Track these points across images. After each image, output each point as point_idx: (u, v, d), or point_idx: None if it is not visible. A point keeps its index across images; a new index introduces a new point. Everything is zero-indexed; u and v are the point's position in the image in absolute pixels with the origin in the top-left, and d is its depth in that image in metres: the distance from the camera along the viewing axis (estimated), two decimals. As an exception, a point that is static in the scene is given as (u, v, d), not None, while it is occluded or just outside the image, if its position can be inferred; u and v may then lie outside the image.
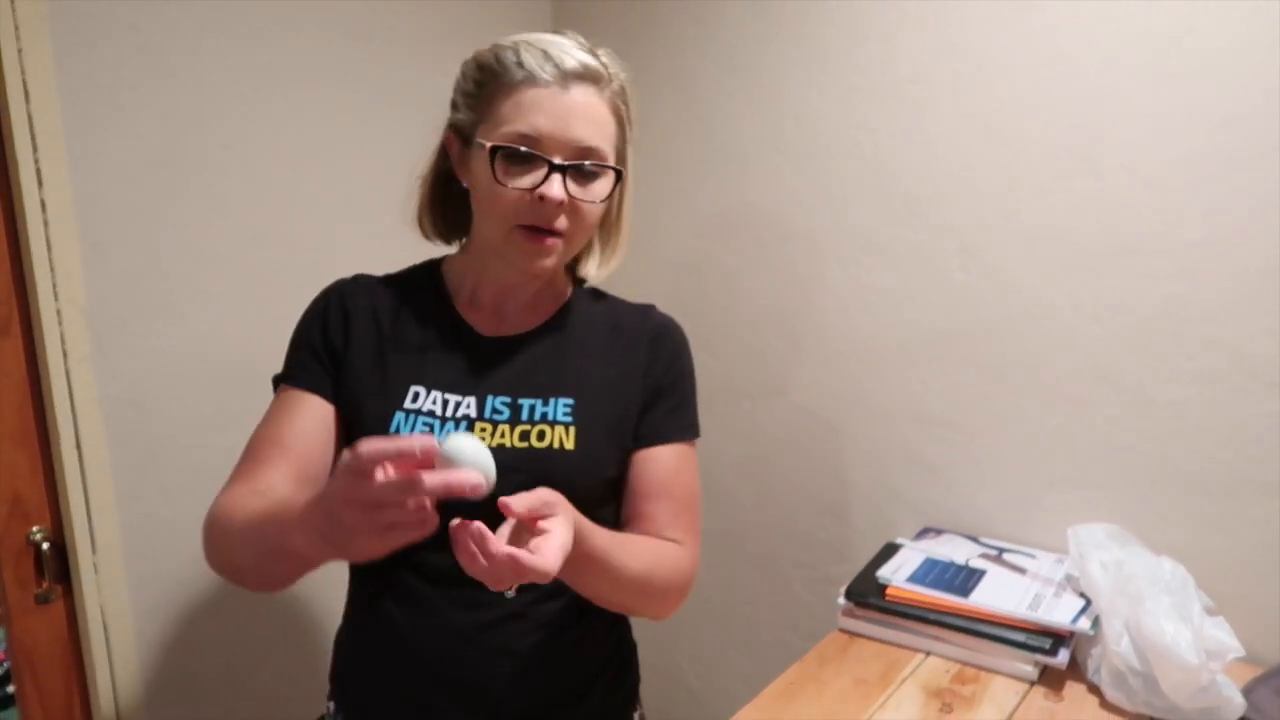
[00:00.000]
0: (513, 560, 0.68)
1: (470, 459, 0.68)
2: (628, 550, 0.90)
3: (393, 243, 1.56)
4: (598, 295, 1.08)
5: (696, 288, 1.77)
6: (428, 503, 0.66)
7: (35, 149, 1.18)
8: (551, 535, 0.73)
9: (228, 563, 0.91)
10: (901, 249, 1.51)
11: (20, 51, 1.16)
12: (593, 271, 1.06)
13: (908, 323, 1.52)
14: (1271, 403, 1.22)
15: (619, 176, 0.96)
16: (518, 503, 0.73)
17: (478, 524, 0.69)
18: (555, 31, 0.94)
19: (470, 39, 1.67)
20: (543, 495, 0.74)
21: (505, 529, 0.74)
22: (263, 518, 0.83)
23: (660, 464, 1.01)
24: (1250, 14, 1.17)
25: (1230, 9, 1.19)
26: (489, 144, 0.90)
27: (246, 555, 0.88)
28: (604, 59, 0.93)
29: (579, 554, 0.80)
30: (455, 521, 0.70)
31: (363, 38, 1.53)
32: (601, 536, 0.85)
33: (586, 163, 0.91)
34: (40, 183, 1.19)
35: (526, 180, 0.89)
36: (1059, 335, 1.38)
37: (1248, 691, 1.12)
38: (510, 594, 0.75)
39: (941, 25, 1.42)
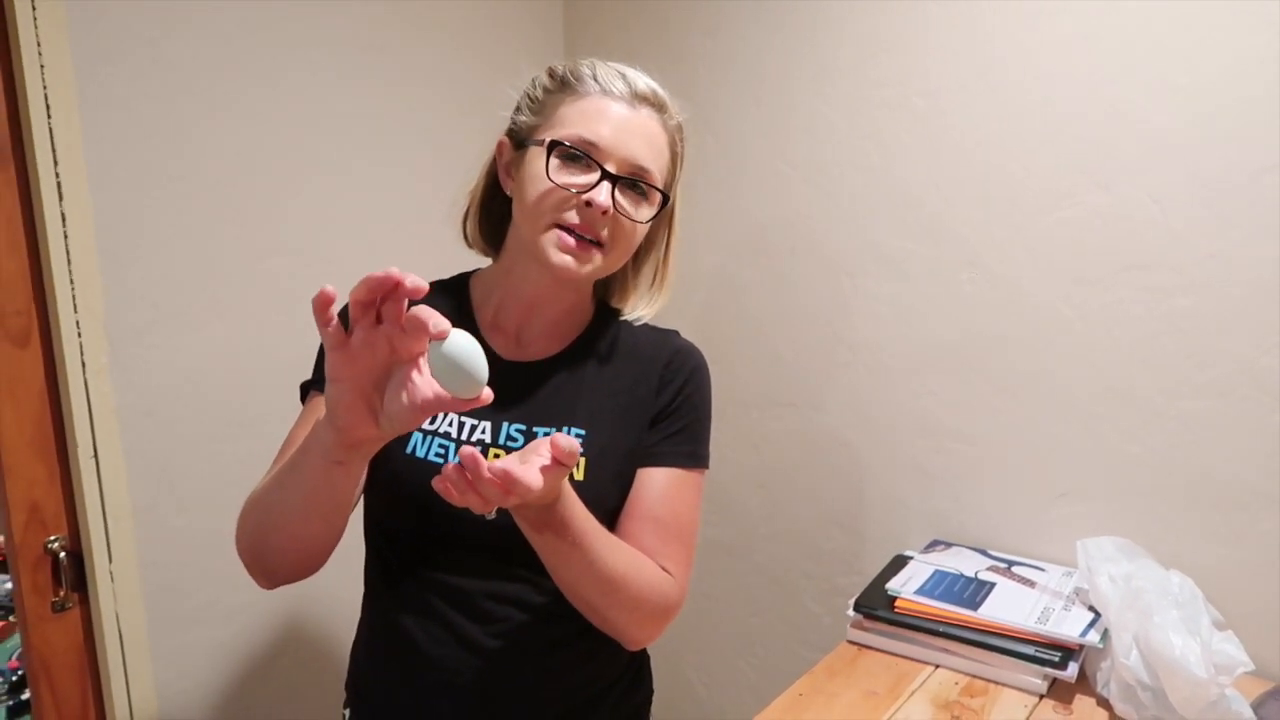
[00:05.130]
0: (505, 475, 0.70)
1: (462, 360, 0.67)
2: (609, 543, 0.88)
3: (408, 253, 1.59)
4: (621, 322, 1.06)
5: (704, 300, 1.78)
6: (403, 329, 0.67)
7: (56, 162, 1.20)
8: (545, 461, 0.74)
9: (253, 531, 0.89)
10: (911, 261, 1.52)
11: (42, 66, 1.17)
12: (640, 310, 1.06)
13: (917, 335, 1.53)
14: (1279, 415, 1.22)
15: (665, 202, 0.97)
16: (565, 439, 0.73)
17: (469, 448, 0.70)
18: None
19: (483, 61, 1.71)
20: (575, 445, 0.73)
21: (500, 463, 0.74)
22: (283, 466, 0.84)
23: (650, 486, 0.98)
24: (1259, 30, 1.18)
25: (1239, 25, 1.20)
26: (548, 139, 0.91)
27: (266, 507, 0.87)
28: (669, 96, 0.98)
29: (560, 517, 0.81)
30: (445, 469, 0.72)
31: (378, 50, 1.55)
32: (588, 517, 0.85)
33: (638, 180, 0.93)
34: (60, 195, 1.21)
35: (577, 182, 0.91)
36: (1068, 348, 1.38)
37: (1258, 706, 1.11)
38: (491, 515, 0.75)
39: (951, 39, 1.43)
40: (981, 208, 1.43)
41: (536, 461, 0.74)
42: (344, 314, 0.69)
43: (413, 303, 0.67)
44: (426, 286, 0.66)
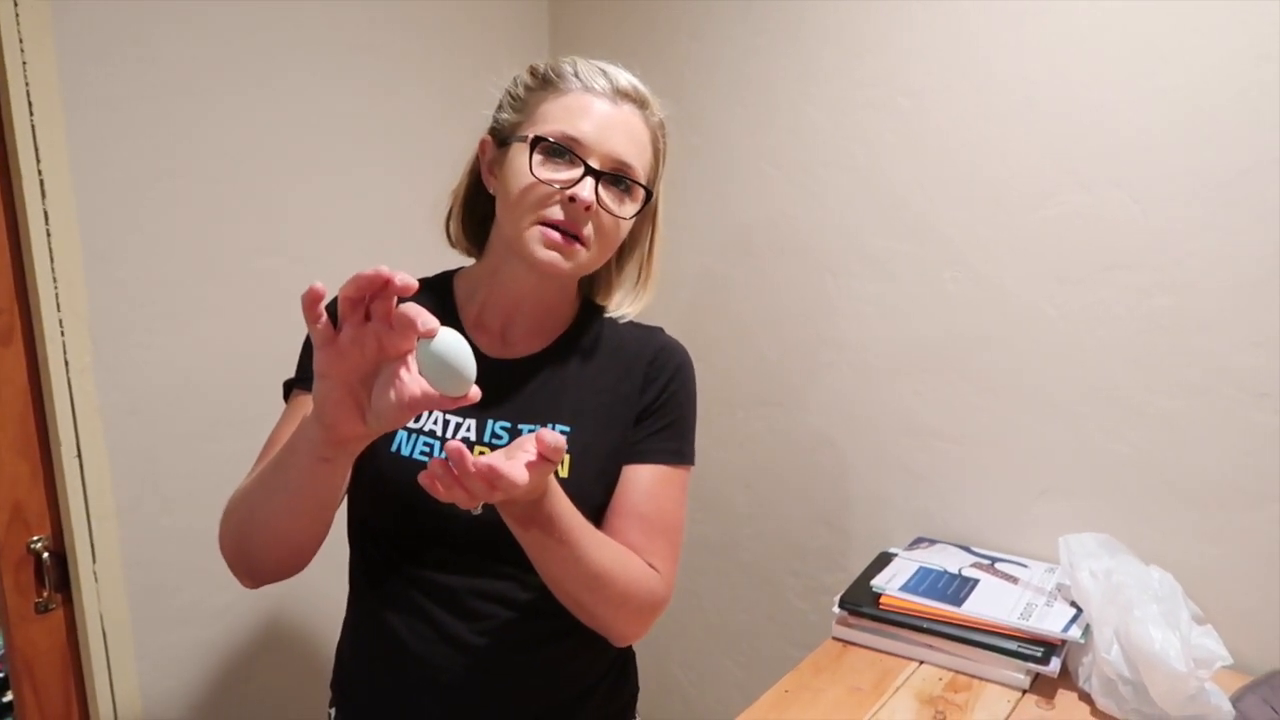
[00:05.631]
0: (491, 471, 0.70)
1: (451, 358, 0.67)
2: (595, 539, 0.89)
3: (393, 252, 1.58)
4: (605, 319, 1.06)
5: (689, 299, 1.78)
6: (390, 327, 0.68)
7: (39, 160, 1.19)
8: (531, 457, 0.74)
9: (237, 529, 0.89)
10: (895, 261, 1.53)
11: (25, 63, 1.17)
12: (625, 307, 1.05)
13: (901, 334, 1.54)
14: (1259, 413, 1.24)
15: (648, 197, 0.97)
16: (550, 435, 0.73)
17: (455, 443, 0.70)
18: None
19: (470, 63, 1.71)
20: (561, 441, 0.74)
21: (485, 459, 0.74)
22: (268, 464, 0.84)
23: (636, 483, 0.99)
24: (1239, 30, 1.20)
25: (1219, 26, 1.21)
26: (531, 135, 0.91)
27: (251, 505, 0.87)
28: (650, 93, 0.98)
29: (546, 513, 0.81)
30: (431, 464, 0.72)
31: (365, 50, 1.55)
32: (574, 513, 0.85)
33: (621, 176, 0.93)
34: (43, 193, 1.20)
35: (560, 177, 0.91)
36: (1050, 347, 1.40)
37: (1236, 700, 1.13)
38: (476, 511, 0.75)
39: (935, 40, 1.44)
40: (965, 208, 1.45)
41: (522, 457, 0.74)
42: (331, 310, 0.69)
43: (401, 300, 0.67)
44: (416, 284, 0.66)
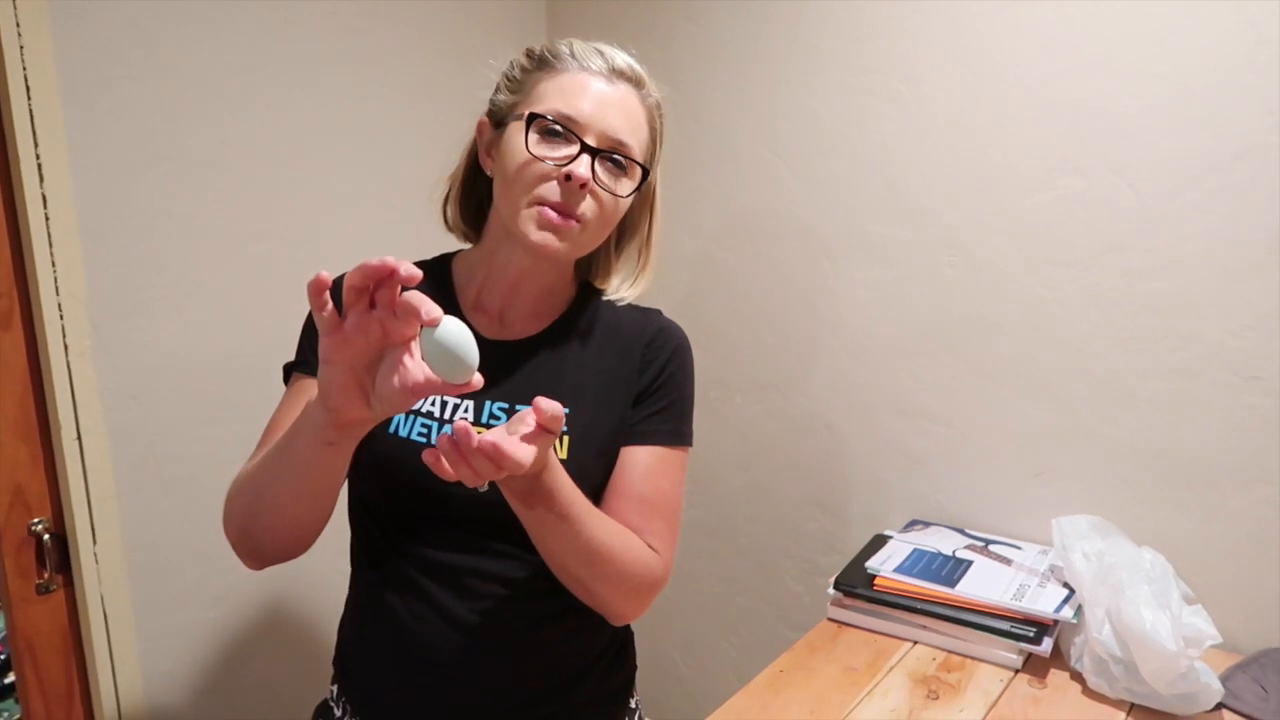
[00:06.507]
0: (495, 449, 0.71)
1: (454, 346, 0.68)
2: (595, 516, 0.90)
3: (391, 237, 1.59)
4: (603, 301, 1.06)
5: (689, 284, 1.79)
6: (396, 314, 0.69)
7: (36, 143, 1.19)
8: (530, 429, 0.75)
9: (242, 513, 0.90)
10: (892, 246, 1.53)
11: (22, 47, 1.17)
12: (623, 291, 1.06)
13: (897, 318, 1.55)
14: (1249, 396, 1.25)
15: (645, 176, 0.97)
16: (547, 403, 0.74)
17: (461, 422, 0.71)
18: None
19: (466, 38, 1.71)
20: (559, 408, 0.74)
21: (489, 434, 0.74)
22: (273, 448, 0.85)
23: (634, 464, 0.99)
24: (1233, 16, 1.20)
25: (1213, 12, 1.21)
26: (528, 111, 0.92)
27: (256, 488, 0.88)
28: (646, 73, 0.98)
29: (546, 488, 0.82)
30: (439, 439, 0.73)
31: (361, 33, 1.55)
32: (574, 490, 0.86)
33: (617, 154, 0.93)
34: (41, 177, 1.20)
35: (557, 155, 0.91)
36: (1045, 330, 1.40)
37: (1225, 678, 1.15)
38: (483, 489, 0.76)
39: (932, 27, 1.44)
40: (962, 192, 1.45)
41: (523, 430, 0.75)
42: (334, 295, 0.70)
43: (405, 289, 0.68)
44: (420, 274, 0.67)
